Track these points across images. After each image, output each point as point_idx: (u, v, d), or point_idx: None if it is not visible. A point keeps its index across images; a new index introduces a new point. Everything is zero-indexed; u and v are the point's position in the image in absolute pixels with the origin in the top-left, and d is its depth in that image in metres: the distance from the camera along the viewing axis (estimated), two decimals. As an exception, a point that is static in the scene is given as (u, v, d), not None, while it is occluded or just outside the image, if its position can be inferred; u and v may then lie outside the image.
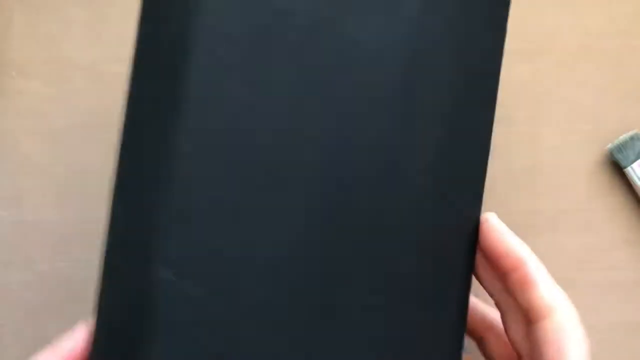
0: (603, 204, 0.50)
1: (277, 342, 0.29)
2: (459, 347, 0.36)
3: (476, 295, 0.49)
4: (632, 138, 0.49)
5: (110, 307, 0.28)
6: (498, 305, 0.37)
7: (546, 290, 0.36)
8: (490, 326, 0.40)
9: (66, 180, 0.48)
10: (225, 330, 0.28)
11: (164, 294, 0.26)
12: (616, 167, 0.50)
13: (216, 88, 0.29)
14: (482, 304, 0.41)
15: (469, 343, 0.43)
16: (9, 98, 0.48)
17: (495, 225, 0.36)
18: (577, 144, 0.50)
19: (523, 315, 0.35)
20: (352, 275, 0.32)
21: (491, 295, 0.37)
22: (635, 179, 0.49)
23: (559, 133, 0.50)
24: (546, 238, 0.50)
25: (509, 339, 0.36)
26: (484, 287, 0.37)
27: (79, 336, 0.31)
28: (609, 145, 0.49)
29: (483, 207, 0.50)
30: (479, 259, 0.37)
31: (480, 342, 0.41)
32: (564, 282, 0.50)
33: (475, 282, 0.38)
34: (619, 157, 0.49)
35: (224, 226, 0.28)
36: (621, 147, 0.49)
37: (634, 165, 0.48)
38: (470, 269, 0.37)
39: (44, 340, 0.48)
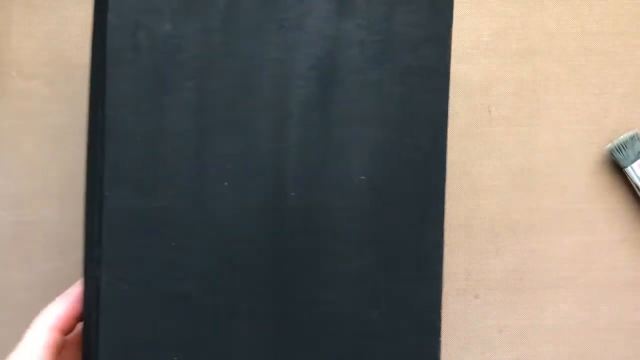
0: (603, 204, 0.50)
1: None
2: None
3: (476, 297, 0.49)
4: (632, 138, 0.49)
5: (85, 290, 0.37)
6: None
7: None
8: None
9: (66, 180, 0.48)
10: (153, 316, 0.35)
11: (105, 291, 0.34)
12: (616, 167, 0.50)
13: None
14: None
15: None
16: (9, 98, 0.48)
17: None
18: (577, 144, 0.50)
19: None
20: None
21: None
22: (635, 179, 0.49)
23: (559, 133, 0.50)
24: (546, 238, 0.50)
25: None
26: None
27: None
28: (609, 145, 0.49)
29: (483, 207, 0.50)
30: None
31: None
32: (564, 281, 0.50)
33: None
34: (619, 157, 0.49)
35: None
36: (621, 147, 0.49)
37: (634, 165, 0.48)
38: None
39: (44, 340, 0.48)
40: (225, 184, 0.35)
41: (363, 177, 0.36)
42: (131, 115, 0.34)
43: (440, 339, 0.37)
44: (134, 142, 0.34)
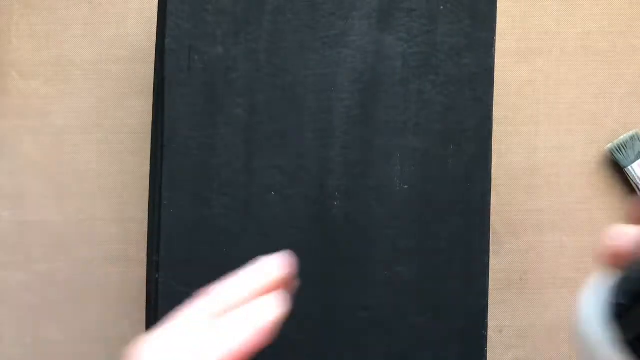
0: (603, 204, 0.50)
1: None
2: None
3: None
4: (632, 138, 0.49)
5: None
6: None
7: None
8: None
9: (66, 180, 0.48)
10: None
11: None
12: (616, 167, 0.50)
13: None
14: None
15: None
16: (9, 98, 0.48)
17: None
18: (577, 144, 0.50)
19: None
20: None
21: None
22: (636, 178, 0.49)
23: (559, 133, 0.50)
24: (546, 238, 0.50)
25: None
26: None
27: None
28: (609, 145, 0.49)
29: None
30: None
31: None
32: (564, 281, 0.50)
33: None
34: (619, 157, 0.49)
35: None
36: (621, 147, 0.49)
37: (634, 165, 0.48)
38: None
39: (44, 340, 0.48)
40: (272, 193, 0.37)
41: (405, 186, 0.37)
42: (186, 131, 0.36)
43: (487, 348, 0.37)
44: (189, 156, 0.37)
